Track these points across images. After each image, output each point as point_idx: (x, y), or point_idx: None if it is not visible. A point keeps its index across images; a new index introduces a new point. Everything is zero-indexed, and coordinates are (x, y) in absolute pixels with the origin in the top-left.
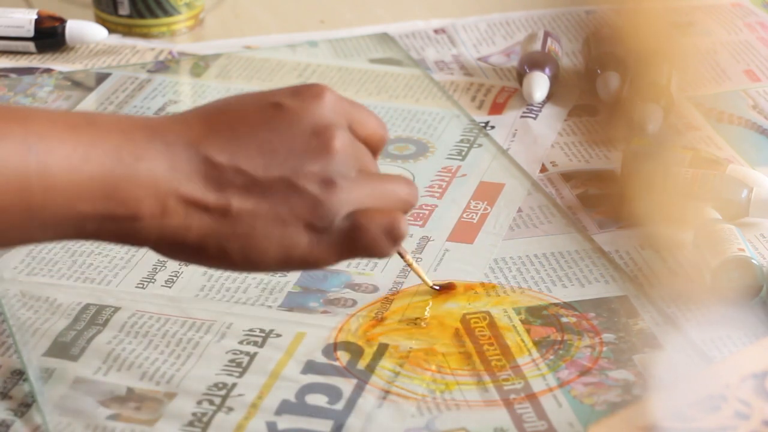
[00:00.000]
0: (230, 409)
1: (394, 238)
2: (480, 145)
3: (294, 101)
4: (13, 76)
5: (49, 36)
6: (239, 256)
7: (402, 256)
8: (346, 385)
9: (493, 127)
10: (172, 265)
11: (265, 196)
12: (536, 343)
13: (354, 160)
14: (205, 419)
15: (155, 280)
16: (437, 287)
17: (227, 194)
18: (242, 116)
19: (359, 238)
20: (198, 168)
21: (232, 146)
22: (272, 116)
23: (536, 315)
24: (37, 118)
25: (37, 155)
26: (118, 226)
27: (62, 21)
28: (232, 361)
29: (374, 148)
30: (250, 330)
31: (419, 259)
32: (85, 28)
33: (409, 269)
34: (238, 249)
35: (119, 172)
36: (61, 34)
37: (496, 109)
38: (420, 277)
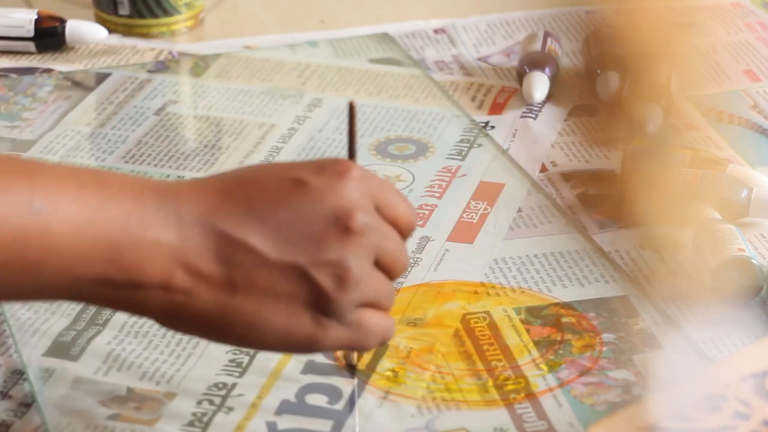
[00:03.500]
0: (230, 409)
1: (385, 340)
2: (480, 145)
3: (318, 180)
4: (13, 76)
5: (49, 36)
6: (238, 341)
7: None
8: (346, 385)
9: (493, 127)
10: None
11: (275, 280)
12: (536, 343)
13: (374, 245)
14: (205, 419)
15: None
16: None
17: (236, 273)
18: (262, 190)
19: (362, 338)
20: (210, 241)
21: (247, 222)
22: (293, 194)
23: (536, 315)
24: (44, 173)
25: (40, 214)
26: (117, 293)
27: (62, 21)
28: (232, 361)
29: (402, 232)
30: None
31: (419, 259)
32: (85, 28)
33: (408, 272)
34: (239, 334)
35: (125, 239)
36: (61, 34)
37: (496, 109)
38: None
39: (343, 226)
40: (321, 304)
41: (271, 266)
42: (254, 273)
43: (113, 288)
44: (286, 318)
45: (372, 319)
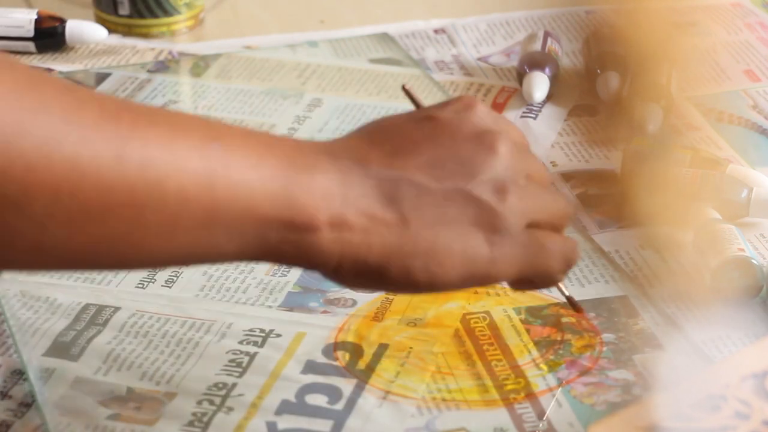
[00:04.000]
0: (230, 409)
1: (570, 262)
2: None
3: (446, 113)
4: None
5: (49, 36)
6: (423, 274)
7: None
8: (346, 385)
9: None
10: None
11: (441, 207)
12: (536, 343)
13: (522, 164)
14: (205, 419)
15: (155, 280)
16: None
17: (404, 208)
18: (402, 132)
19: (540, 257)
20: (371, 184)
21: (400, 160)
22: (431, 129)
23: (536, 315)
24: (213, 121)
25: (221, 150)
26: (299, 237)
27: (62, 21)
28: (232, 361)
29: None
30: (250, 330)
31: None
32: (85, 28)
33: None
34: (421, 266)
35: (296, 179)
36: (61, 34)
37: (496, 109)
38: (564, 295)
39: (488, 147)
40: (490, 221)
41: (435, 194)
42: (421, 204)
43: (295, 231)
44: (461, 240)
45: (548, 238)
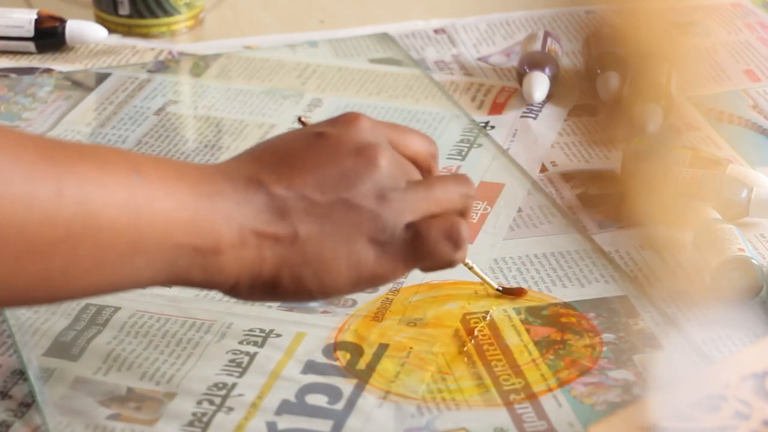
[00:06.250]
0: (230, 409)
1: (455, 241)
2: (480, 145)
3: (334, 128)
4: (13, 76)
5: (49, 36)
6: (313, 283)
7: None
8: (346, 385)
9: (493, 127)
10: None
11: (327, 218)
12: (536, 343)
13: (401, 173)
14: (205, 419)
15: None
16: (500, 289)
17: (294, 221)
18: (289, 149)
19: (421, 246)
20: (261, 200)
21: (287, 175)
22: (316, 144)
23: (536, 315)
24: (128, 152)
25: (142, 182)
26: (205, 261)
27: (62, 21)
28: (232, 361)
29: (424, 165)
30: (250, 330)
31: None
32: (85, 28)
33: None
34: (311, 275)
35: (202, 206)
36: (61, 34)
37: (496, 109)
38: (481, 278)
39: (368, 159)
40: (371, 225)
41: (321, 206)
42: (309, 217)
43: (202, 255)
44: (346, 247)
45: (426, 224)
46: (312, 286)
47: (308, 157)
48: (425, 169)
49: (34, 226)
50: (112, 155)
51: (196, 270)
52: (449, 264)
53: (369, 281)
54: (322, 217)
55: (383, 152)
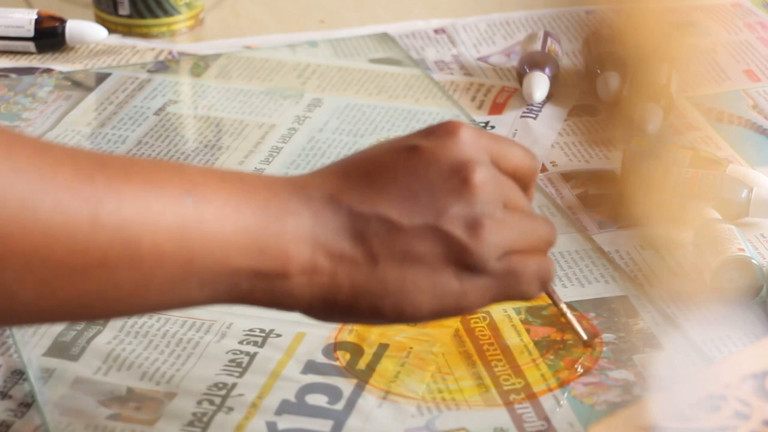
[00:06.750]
0: (230, 409)
1: (544, 282)
2: None
3: (429, 141)
4: (13, 76)
5: (49, 36)
6: (392, 312)
7: (551, 298)
8: (346, 385)
9: (493, 127)
10: None
11: (411, 244)
12: (536, 343)
13: (498, 195)
14: (205, 419)
15: None
16: (587, 339)
17: (374, 245)
18: (378, 164)
19: (513, 284)
20: (342, 221)
21: (372, 195)
22: (408, 159)
23: (536, 315)
24: (189, 168)
25: (194, 204)
26: (270, 285)
27: (62, 21)
28: (232, 361)
29: (524, 181)
30: (250, 330)
31: None
32: (85, 28)
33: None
34: (390, 305)
35: (268, 227)
36: (61, 34)
37: (496, 109)
38: (573, 327)
39: (462, 179)
40: (460, 258)
41: (405, 231)
42: (390, 241)
43: (266, 279)
44: (431, 277)
45: (522, 262)
46: (391, 315)
47: (398, 174)
48: (524, 186)
49: (61, 253)
50: (164, 173)
51: (260, 293)
52: (525, 301)
53: (452, 313)
54: (406, 243)
55: (480, 172)
